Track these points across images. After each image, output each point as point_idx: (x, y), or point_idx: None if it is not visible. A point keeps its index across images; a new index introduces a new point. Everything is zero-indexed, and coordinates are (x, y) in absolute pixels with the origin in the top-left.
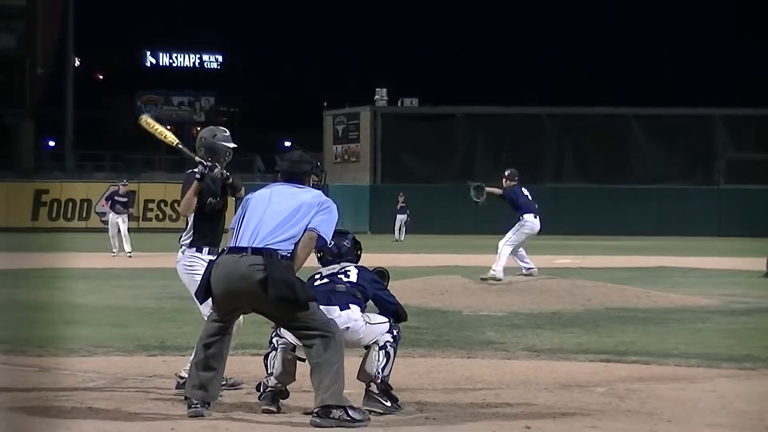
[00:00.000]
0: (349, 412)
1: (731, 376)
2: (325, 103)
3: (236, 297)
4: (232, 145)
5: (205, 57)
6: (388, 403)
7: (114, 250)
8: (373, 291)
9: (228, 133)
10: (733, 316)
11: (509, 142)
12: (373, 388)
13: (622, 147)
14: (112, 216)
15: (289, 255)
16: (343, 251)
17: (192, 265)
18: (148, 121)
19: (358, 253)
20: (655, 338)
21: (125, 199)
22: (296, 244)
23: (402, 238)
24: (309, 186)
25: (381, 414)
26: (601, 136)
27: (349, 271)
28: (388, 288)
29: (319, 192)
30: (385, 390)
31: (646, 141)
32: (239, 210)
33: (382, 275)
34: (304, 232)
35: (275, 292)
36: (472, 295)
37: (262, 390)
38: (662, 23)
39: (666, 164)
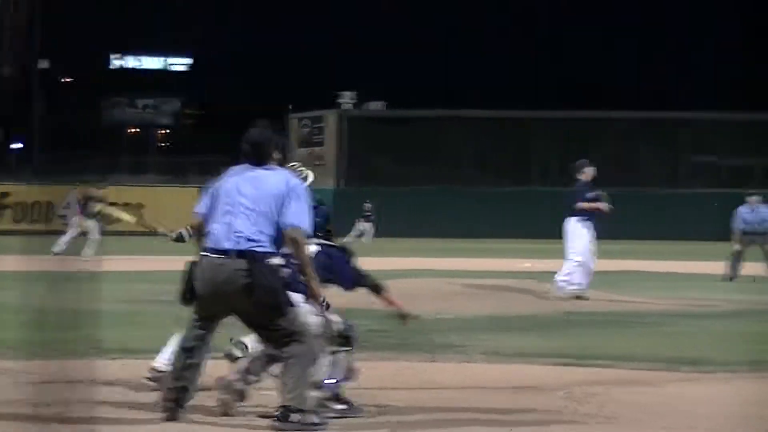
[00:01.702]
0: (309, 417)
1: (691, 380)
2: (290, 106)
3: (220, 298)
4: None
5: (171, 60)
6: (339, 407)
7: (58, 250)
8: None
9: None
10: (694, 320)
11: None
12: (320, 394)
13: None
14: (78, 218)
15: (270, 251)
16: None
17: None
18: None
19: (328, 228)
20: (615, 341)
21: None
22: (280, 238)
23: (367, 242)
24: (273, 164)
25: (339, 417)
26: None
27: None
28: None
29: (285, 171)
30: (335, 396)
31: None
32: (205, 198)
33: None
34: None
35: (258, 297)
36: (440, 299)
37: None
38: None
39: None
